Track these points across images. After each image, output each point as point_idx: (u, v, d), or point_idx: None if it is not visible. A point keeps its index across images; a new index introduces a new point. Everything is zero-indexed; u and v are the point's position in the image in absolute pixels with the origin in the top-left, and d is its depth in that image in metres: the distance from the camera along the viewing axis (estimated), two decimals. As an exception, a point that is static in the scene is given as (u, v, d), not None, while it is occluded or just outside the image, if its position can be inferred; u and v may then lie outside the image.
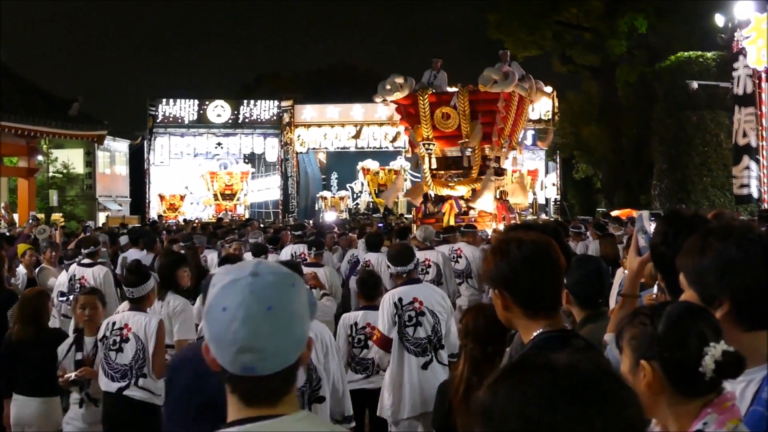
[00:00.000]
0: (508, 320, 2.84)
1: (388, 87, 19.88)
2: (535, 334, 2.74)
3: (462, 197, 20.11)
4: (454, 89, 19.93)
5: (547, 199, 41.74)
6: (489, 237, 14.45)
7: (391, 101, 20.47)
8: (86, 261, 10.63)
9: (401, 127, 21.78)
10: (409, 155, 23.76)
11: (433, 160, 20.26)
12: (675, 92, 30.23)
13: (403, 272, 6.90)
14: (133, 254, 12.75)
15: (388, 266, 7.10)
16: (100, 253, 11.17)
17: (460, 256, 11.83)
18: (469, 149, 19.66)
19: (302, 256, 11.47)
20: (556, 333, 2.72)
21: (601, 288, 4.48)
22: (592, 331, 3.83)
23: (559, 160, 42.82)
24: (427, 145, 20.00)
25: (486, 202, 19.27)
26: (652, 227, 3.24)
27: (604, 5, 36.06)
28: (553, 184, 42.45)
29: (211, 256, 12.99)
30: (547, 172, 42.96)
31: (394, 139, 23.34)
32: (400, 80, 19.71)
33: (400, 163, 37.76)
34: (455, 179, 20.24)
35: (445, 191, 20.23)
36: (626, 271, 3.95)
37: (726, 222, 2.74)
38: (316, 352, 5.04)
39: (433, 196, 20.64)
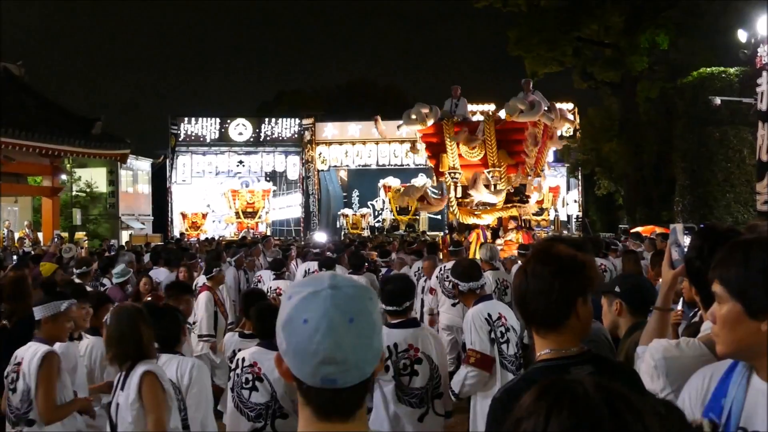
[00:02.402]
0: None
1: (414, 117, 19.71)
2: (535, 361, 2.77)
3: (488, 226, 19.94)
4: (479, 118, 20.12)
5: (568, 216, 41.59)
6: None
7: (417, 132, 20.43)
8: (77, 281, 10.71)
9: (423, 152, 21.33)
10: (434, 184, 23.61)
11: (459, 189, 19.96)
12: (697, 108, 30.16)
13: (476, 288, 6.61)
14: (160, 273, 12.84)
15: (457, 283, 6.63)
16: (93, 274, 11.18)
17: None
18: (496, 178, 19.31)
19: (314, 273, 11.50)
20: (556, 361, 2.71)
21: (652, 295, 4.35)
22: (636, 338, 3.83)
23: (581, 176, 42.73)
24: (453, 174, 19.78)
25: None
26: (686, 240, 3.24)
27: (625, 21, 35.97)
28: (575, 201, 42.35)
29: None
30: (568, 189, 42.87)
31: (413, 148, 23.03)
32: (425, 110, 19.53)
33: (422, 180, 37.81)
34: (481, 208, 19.83)
35: (471, 220, 19.90)
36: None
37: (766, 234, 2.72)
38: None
39: (457, 224, 20.59)
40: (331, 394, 1.78)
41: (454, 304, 11.28)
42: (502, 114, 19.73)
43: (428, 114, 19.47)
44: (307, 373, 1.77)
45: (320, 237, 21.54)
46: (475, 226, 19.77)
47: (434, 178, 21.88)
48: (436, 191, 24.38)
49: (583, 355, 2.77)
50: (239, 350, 6.06)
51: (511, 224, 19.67)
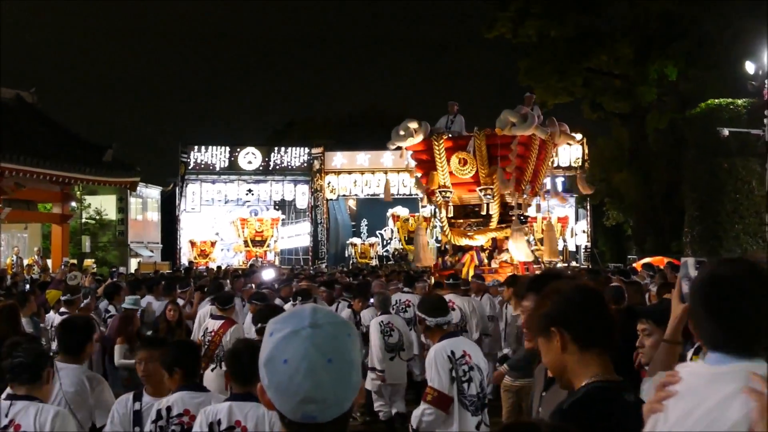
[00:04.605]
0: (561, 365, 2.84)
1: (402, 132, 18.87)
2: (585, 382, 2.76)
3: (482, 247, 19.05)
4: (470, 134, 18.75)
5: (577, 246, 41.52)
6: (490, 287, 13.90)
7: (405, 147, 19.39)
8: (63, 309, 10.69)
9: (417, 174, 20.42)
10: (424, 204, 22.54)
11: (450, 209, 19.14)
12: (706, 139, 30.17)
13: (444, 323, 6.44)
14: (150, 300, 12.85)
15: (424, 318, 6.42)
16: (79, 301, 11.08)
17: (453, 308, 10.53)
18: (489, 196, 18.38)
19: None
20: (608, 384, 2.75)
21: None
22: None
23: (590, 206, 42.72)
24: (444, 193, 18.84)
25: (519, 251, 18.30)
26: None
27: (634, 52, 36.08)
28: (584, 231, 42.29)
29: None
30: (577, 219, 42.82)
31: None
32: (414, 125, 18.70)
33: (430, 209, 37.79)
34: (474, 228, 19.06)
35: (463, 241, 19.11)
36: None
37: None
38: None
39: (450, 247, 19.68)
40: (312, 428, 1.83)
41: None
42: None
43: (417, 129, 18.68)
44: (288, 410, 1.83)
45: (267, 274, 19.73)
46: (468, 248, 19.05)
47: (425, 198, 20.63)
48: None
49: (626, 383, 2.87)
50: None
51: (506, 245, 18.79)
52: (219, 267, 31.27)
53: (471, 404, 6.13)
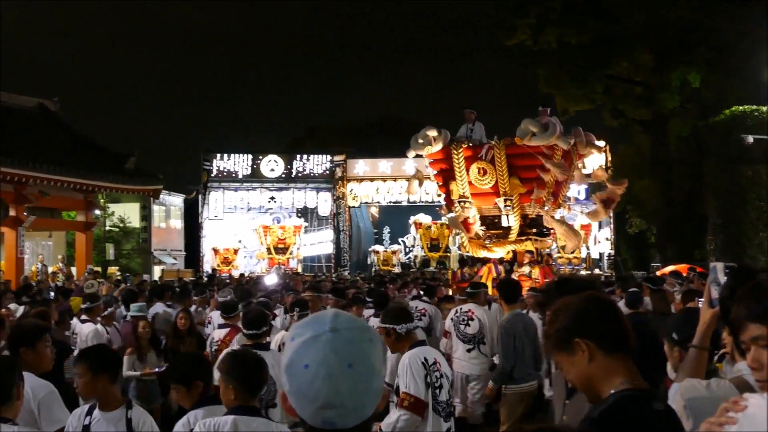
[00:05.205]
0: (587, 377, 2.79)
1: (421, 140, 18.56)
2: (613, 390, 2.73)
3: (501, 260, 18.60)
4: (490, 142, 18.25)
5: (600, 254, 41.28)
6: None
7: (425, 155, 19.04)
8: (84, 317, 10.77)
9: (433, 179, 20.08)
10: (444, 213, 21.26)
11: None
12: (729, 146, 30.05)
13: (413, 327, 6.40)
14: (159, 308, 12.76)
15: (393, 328, 6.25)
16: (99, 309, 11.08)
17: (472, 318, 10.83)
18: (508, 207, 17.92)
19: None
20: (637, 392, 2.72)
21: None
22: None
23: (612, 214, 42.55)
24: (463, 203, 18.44)
25: (570, 240, 18.21)
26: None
27: (654, 59, 35.95)
28: (607, 239, 42.06)
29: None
30: (600, 227, 42.61)
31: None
32: (433, 133, 18.33)
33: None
34: (493, 240, 18.58)
35: (482, 253, 18.80)
36: None
37: None
38: (274, 373, 6.26)
39: (468, 258, 19.52)
40: None
41: (469, 350, 10.71)
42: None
43: (436, 138, 18.32)
44: (308, 415, 1.83)
45: (270, 279, 19.26)
46: (487, 260, 18.73)
47: (444, 207, 20.18)
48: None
49: (655, 391, 2.87)
50: None
51: (527, 258, 18.37)
52: (242, 274, 31.37)
53: (443, 410, 6.16)
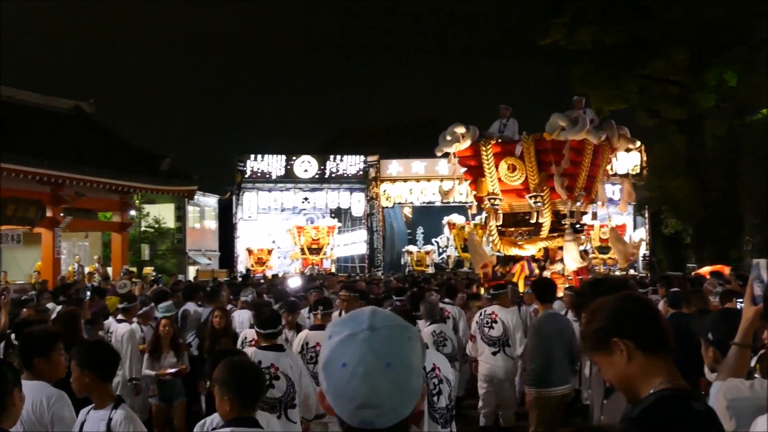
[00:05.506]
0: (626, 377, 2.77)
1: (449, 138, 18.30)
2: (653, 390, 2.70)
3: (532, 257, 18.28)
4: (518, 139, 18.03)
5: (635, 255, 41.09)
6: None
7: (453, 153, 18.70)
8: (120, 317, 10.80)
9: (462, 176, 19.68)
10: (473, 211, 21.07)
11: (500, 217, 18.34)
12: (766, 145, 29.74)
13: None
14: (190, 307, 12.82)
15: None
16: (136, 309, 11.09)
17: (495, 321, 10.61)
18: (539, 203, 17.59)
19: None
20: (676, 392, 2.69)
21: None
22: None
23: (648, 214, 42.27)
24: (492, 200, 18.12)
25: (572, 259, 17.61)
26: None
27: (691, 58, 35.61)
28: (642, 240, 41.83)
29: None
30: (635, 227, 42.37)
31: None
32: (461, 129, 18.10)
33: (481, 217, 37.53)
34: (524, 237, 18.27)
35: (513, 251, 18.39)
36: None
37: None
38: (293, 374, 6.67)
39: (500, 257, 19.08)
40: None
41: (494, 353, 10.53)
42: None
43: (465, 134, 18.12)
44: (346, 415, 1.79)
45: (294, 282, 18.73)
46: (519, 258, 18.35)
47: (474, 205, 19.85)
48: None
49: (695, 391, 2.83)
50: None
51: (559, 255, 18.02)
52: (276, 275, 31.46)
53: (441, 417, 6.08)
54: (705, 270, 22.70)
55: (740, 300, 8.90)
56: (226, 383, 4.34)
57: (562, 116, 17.17)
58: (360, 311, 1.88)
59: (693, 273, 23.13)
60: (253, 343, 8.63)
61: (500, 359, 10.56)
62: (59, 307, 10.92)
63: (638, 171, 38.86)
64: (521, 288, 15.74)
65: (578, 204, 18.47)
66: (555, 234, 17.99)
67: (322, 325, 8.80)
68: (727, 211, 35.74)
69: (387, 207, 44.37)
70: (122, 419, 4.81)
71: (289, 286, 17.03)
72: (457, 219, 41.05)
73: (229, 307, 12.58)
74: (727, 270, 20.35)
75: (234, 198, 44.51)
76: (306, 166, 44.20)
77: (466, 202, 39.78)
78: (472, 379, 11.75)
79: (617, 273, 29.21)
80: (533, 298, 13.28)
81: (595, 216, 21.33)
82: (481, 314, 10.91)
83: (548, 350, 8.90)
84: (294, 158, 44.29)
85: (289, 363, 6.67)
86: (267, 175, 44.12)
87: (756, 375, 3.43)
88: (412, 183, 43.06)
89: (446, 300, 13.01)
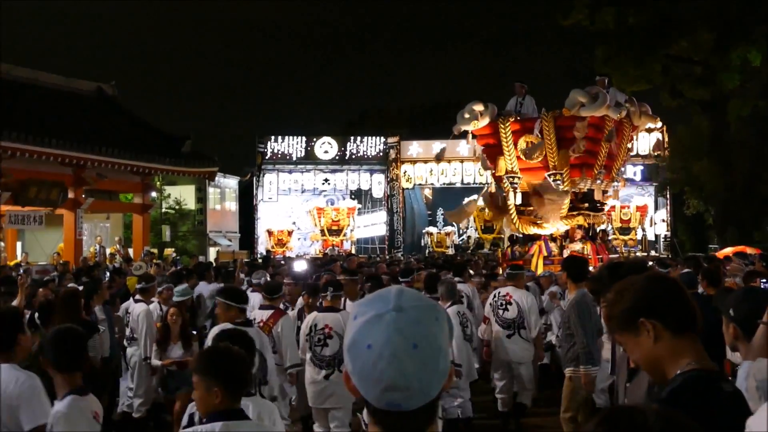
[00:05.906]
0: (654, 357, 2.74)
1: (467, 116, 18.09)
2: (680, 371, 2.66)
3: (551, 236, 18.11)
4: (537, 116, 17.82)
5: (656, 236, 40.88)
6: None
7: (471, 131, 18.54)
8: (138, 297, 10.86)
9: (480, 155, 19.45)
10: (492, 190, 20.46)
11: (518, 195, 18.13)
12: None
13: None
14: (202, 287, 13.20)
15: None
16: (154, 289, 11.14)
17: (510, 302, 10.39)
18: (558, 182, 17.35)
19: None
20: (704, 373, 2.65)
21: None
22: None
23: (669, 195, 42.02)
24: (511, 179, 17.95)
25: (553, 219, 17.50)
26: None
27: (715, 38, 35.27)
28: (663, 221, 41.62)
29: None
30: (656, 208, 42.16)
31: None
32: (479, 107, 17.95)
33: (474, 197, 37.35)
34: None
35: (532, 230, 18.19)
36: None
37: None
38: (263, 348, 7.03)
39: (518, 237, 18.94)
40: (397, 416, 1.75)
41: (509, 335, 10.33)
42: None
43: (483, 112, 17.92)
44: (372, 397, 1.75)
45: (300, 265, 18.47)
46: (537, 237, 18.23)
47: (493, 184, 19.69)
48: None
49: (722, 372, 2.75)
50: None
51: (578, 234, 17.88)
52: (297, 256, 31.51)
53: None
54: (728, 250, 22.54)
55: (764, 280, 8.83)
56: (215, 373, 3.91)
57: (582, 92, 17.04)
58: (386, 290, 1.83)
59: (717, 254, 22.91)
60: (262, 324, 8.69)
61: (516, 341, 10.36)
62: (81, 288, 10.98)
63: (660, 152, 38.58)
64: (540, 269, 15.63)
65: (599, 182, 18.24)
66: (575, 212, 17.83)
67: (331, 307, 8.93)
68: (751, 192, 35.49)
69: (407, 188, 44.38)
70: (59, 416, 4.47)
71: (293, 269, 16.98)
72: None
73: (244, 286, 12.66)
74: (749, 250, 20.15)
75: (254, 179, 44.61)
76: (326, 147, 44.25)
77: (486, 183, 39.78)
78: (484, 363, 11.42)
79: (638, 254, 29.06)
80: (549, 281, 13.22)
81: (616, 195, 20.78)
82: (495, 296, 10.71)
83: (592, 328, 8.52)
84: (314, 140, 44.35)
85: (256, 338, 6.20)
86: (287, 157, 44.20)
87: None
88: (432, 164, 43.00)
89: (458, 279, 12.61)
